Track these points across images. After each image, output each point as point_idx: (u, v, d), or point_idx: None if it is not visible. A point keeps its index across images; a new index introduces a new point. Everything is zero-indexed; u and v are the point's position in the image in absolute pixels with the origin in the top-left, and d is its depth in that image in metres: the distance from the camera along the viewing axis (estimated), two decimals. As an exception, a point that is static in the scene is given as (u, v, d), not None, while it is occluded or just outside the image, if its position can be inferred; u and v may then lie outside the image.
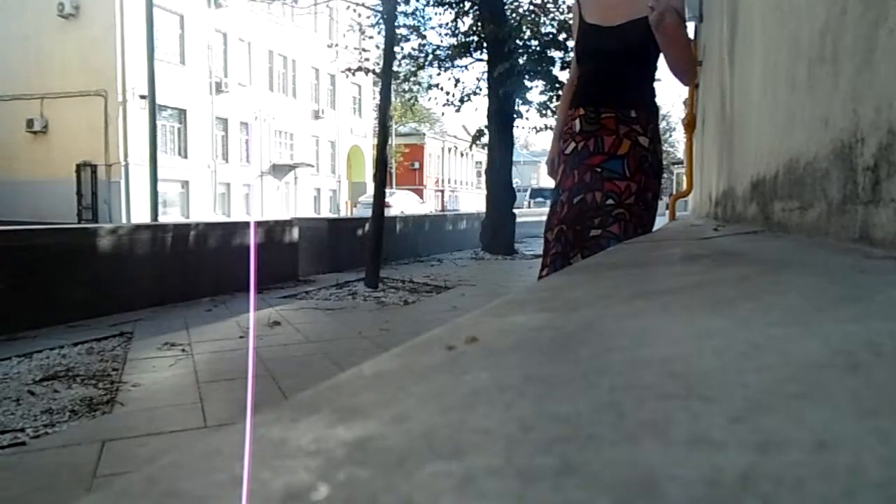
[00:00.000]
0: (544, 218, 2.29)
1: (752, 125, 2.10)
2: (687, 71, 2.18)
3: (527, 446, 0.28)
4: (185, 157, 20.19)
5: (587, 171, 2.11)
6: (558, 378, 0.40)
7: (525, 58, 9.40)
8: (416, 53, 10.79)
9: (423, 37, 10.77)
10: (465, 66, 10.76)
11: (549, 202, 2.37)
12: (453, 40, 10.58)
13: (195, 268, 5.13)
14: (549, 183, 2.54)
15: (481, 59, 10.17)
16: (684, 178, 4.87)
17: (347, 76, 11.93)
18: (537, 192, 28.05)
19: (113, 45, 17.23)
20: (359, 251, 6.48)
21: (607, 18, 2.12)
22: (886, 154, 0.84)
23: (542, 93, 10.03)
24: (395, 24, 7.13)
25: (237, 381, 2.62)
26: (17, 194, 17.17)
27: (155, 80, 9.70)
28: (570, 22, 4.69)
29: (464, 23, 10.47)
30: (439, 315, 4.12)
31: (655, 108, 2.25)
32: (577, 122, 2.17)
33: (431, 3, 10.49)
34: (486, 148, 10.20)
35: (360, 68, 11.29)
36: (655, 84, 2.28)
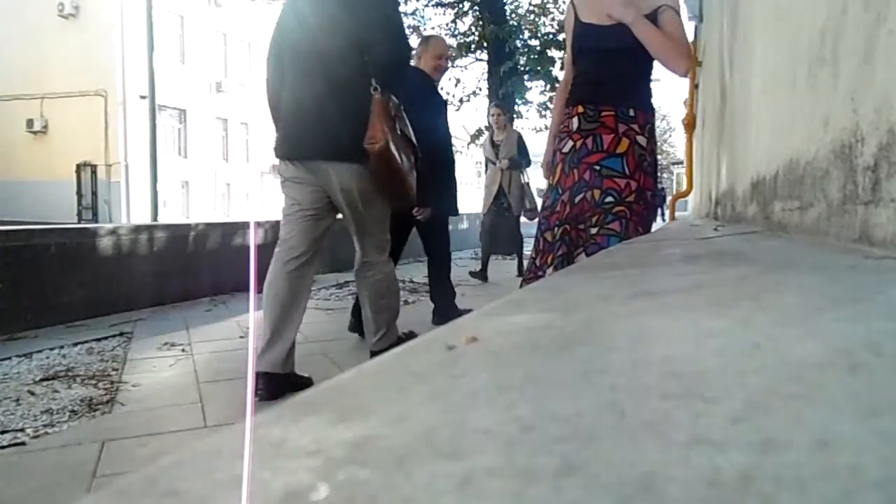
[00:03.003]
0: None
1: (752, 125, 2.10)
2: (674, 59, 2.08)
3: (527, 446, 0.28)
4: (185, 157, 20.18)
5: (587, 170, 2.11)
6: (558, 378, 0.40)
7: (525, 58, 9.42)
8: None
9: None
10: (465, 66, 10.77)
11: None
12: (453, 40, 10.59)
13: (195, 268, 5.12)
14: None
15: (481, 60, 10.18)
16: (684, 178, 4.86)
17: (347, 76, 11.89)
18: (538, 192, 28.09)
19: (113, 45, 17.23)
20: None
21: (603, 18, 2.13)
22: (886, 154, 0.84)
23: (542, 93, 10.07)
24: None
25: (237, 381, 2.62)
26: (17, 194, 17.15)
27: (155, 80, 9.70)
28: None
29: (464, 23, 10.49)
30: (439, 315, 4.10)
31: (652, 109, 2.27)
32: (575, 119, 2.17)
33: (431, 3, 10.50)
34: (486, 147, 10.21)
35: (360, 68, 11.26)
36: (653, 85, 2.30)
